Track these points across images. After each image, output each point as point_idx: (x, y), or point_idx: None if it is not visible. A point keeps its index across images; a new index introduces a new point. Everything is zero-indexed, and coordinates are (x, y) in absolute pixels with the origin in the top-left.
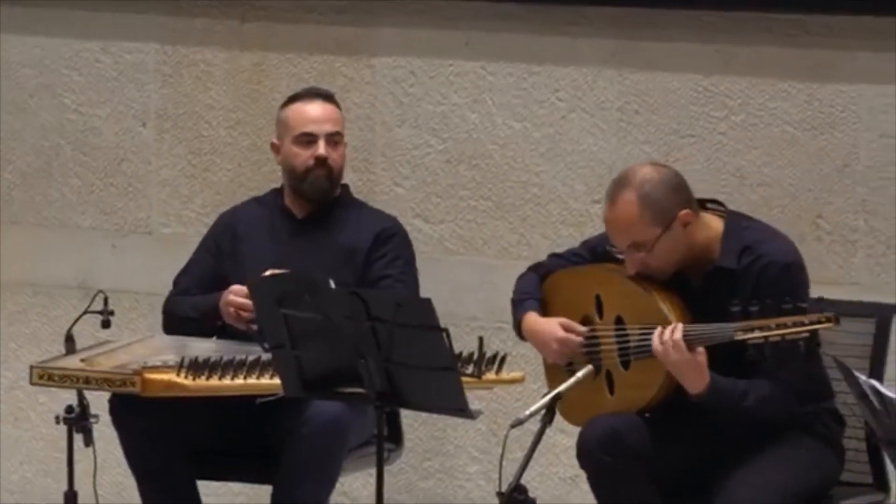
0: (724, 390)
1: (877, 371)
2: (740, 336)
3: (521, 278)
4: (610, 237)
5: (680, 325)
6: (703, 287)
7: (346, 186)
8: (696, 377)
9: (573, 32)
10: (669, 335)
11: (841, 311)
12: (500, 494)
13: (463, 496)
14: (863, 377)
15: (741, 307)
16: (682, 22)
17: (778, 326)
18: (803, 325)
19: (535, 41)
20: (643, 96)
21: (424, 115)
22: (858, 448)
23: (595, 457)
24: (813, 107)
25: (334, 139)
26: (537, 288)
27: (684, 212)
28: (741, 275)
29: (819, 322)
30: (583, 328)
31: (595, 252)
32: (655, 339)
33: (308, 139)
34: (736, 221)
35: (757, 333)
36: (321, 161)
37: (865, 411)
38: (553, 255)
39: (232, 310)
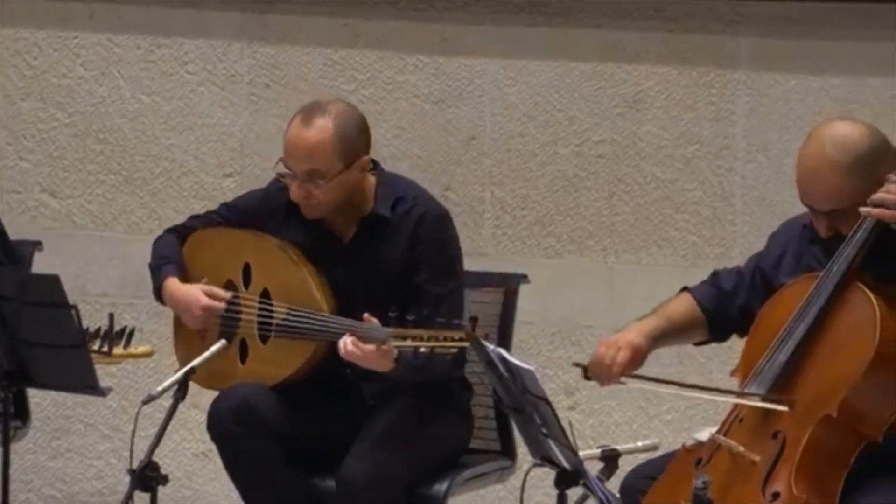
0: (409, 358)
1: (504, 339)
2: (394, 343)
3: (158, 241)
4: (289, 160)
5: (351, 339)
6: (356, 239)
7: None
8: (387, 363)
9: (199, 6)
10: (354, 348)
11: (470, 282)
12: (131, 472)
13: (93, 474)
14: (490, 346)
15: (397, 315)
16: None
17: (430, 339)
18: (452, 340)
19: (162, 13)
20: (273, 70)
21: (49, 88)
22: (487, 416)
23: (226, 428)
24: (440, 80)
25: None
26: (177, 250)
27: (366, 157)
28: (396, 224)
29: (461, 340)
30: (226, 293)
31: (237, 211)
32: (345, 347)
33: None
34: (386, 174)
35: (409, 343)
36: None
37: (493, 379)
38: (193, 217)
39: None
